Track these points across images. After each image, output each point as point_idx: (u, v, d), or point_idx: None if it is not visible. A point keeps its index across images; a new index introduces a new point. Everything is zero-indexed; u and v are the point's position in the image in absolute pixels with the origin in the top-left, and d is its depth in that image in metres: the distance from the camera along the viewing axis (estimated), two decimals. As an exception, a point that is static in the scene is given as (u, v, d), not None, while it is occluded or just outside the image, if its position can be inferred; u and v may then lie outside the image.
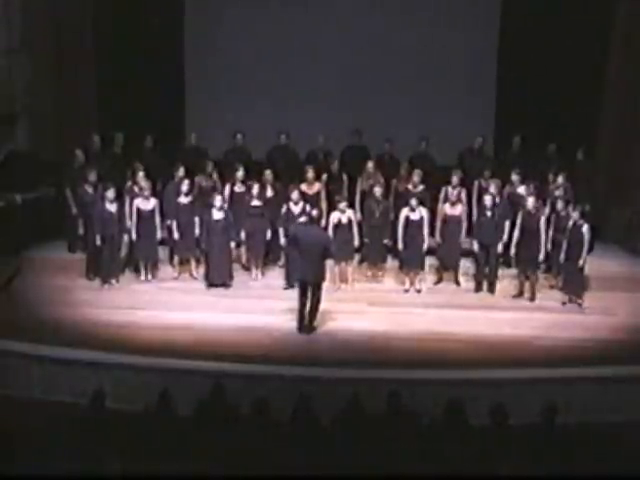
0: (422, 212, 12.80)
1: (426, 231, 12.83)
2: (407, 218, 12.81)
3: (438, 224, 13.22)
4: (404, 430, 7.79)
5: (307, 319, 11.45)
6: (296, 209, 12.81)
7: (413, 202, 12.74)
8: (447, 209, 13.07)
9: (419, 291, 13.06)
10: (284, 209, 12.87)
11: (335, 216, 12.77)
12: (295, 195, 12.83)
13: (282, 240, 12.91)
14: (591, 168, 14.44)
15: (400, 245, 12.95)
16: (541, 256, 12.61)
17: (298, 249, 11.51)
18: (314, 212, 11.80)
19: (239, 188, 13.45)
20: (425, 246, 12.87)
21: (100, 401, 8.06)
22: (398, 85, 15.64)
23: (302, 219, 12.02)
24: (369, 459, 7.35)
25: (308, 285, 11.39)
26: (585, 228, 12.28)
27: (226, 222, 12.72)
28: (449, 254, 13.14)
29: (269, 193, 13.38)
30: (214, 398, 8.21)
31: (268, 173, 13.48)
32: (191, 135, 14.91)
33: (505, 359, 10.80)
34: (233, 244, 13.00)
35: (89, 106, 15.61)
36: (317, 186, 13.56)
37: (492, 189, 13.03)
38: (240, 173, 13.39)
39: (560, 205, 12.79)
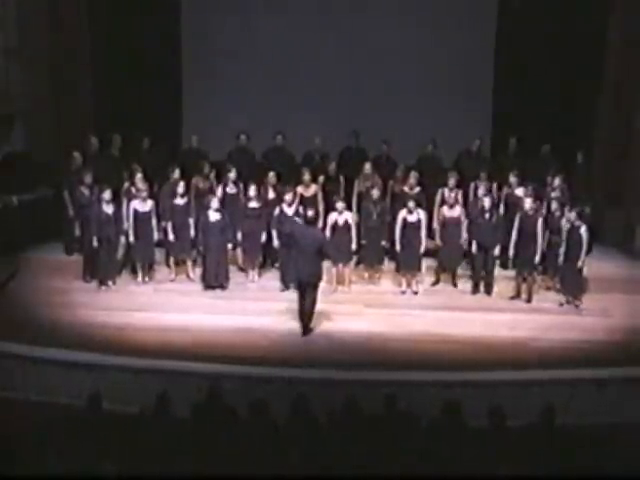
0: (419, 214, 12.80)
1: (423, 233, 12.83)
2: (404, 220, 12.80)
3: (435, 226, 13.23)
4: (402, 431, 7.79)
5: (304, 320, 11.45)
6: (290, 211, 12.80)
7: (411, 204, 12.73)
8: (446, 211, 13.07)
9: (416, 293, 13.04)
10: (277, 211, 12.85)
11: (332, 217, 12.74)
12: (289, 197, 12.81)
13: (275, 242, 12.91)
14: (590, 170, 14.45)
15: (397, 247, 12.95)
16: (537, 257, 12.60)
17: (295, 249, 11.50)
18: (310, 212, 11.78)
19: (231, 189, 13.42)
20: (422, 248, 12.87)
21: (97, 403, 8.05)
22: (395, 87, 15.65)
23: (297, 219, 11.99)
24: (367, 460, 7.34)
25: (304, 285, 11.38)
26: (583, 229, 12.27)
27: (223, 223, 12.70)
28: (450, 256, 13.14)
29: (270, 195, 13.35)
30: (211, 400, 8.20)
31: (272, 175, 13.43)
32: (191, 137, 14.84)
33: (502, 360, 10.79)
34: (230, 245, 12.98)
35: (86, 107, 15.58)
36: (314, 188, 13.54)
37: (480, 191, 13.08)
38: (232, 174, 13.37)
39: (554, 206, 12.80)
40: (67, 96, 15.27)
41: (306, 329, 11.45)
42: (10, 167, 14.28)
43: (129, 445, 7.55)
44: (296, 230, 11.70)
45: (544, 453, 7.50)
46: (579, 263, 12.31)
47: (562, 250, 12.40)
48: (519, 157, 14.46)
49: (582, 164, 14.34)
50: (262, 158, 14.55)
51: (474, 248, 12.84)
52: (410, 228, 12.79)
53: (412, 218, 12.78)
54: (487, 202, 12.75)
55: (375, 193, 13.13)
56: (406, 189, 13.43)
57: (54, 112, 15.20)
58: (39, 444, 7.56)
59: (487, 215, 12.75)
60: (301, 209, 12.69)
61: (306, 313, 11.42)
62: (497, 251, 12.83)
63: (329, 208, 13.14)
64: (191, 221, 13.05)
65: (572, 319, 12.18)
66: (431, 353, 10.93)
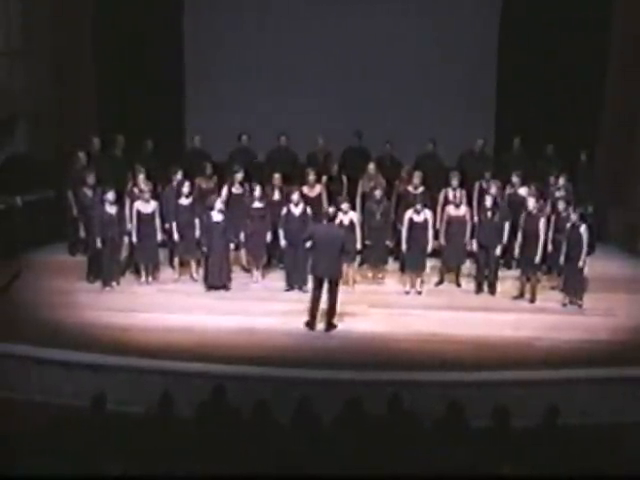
0: (426, 214, 12.80)
1: (430, 233, 12.83)
2: (411, 220, 12.80)
3: (439, 225, 13.21)
4: (405, 432, 7.78)
5: (325, 317, 11.50)
6: (297, 211, 12.81)
7: (419, 205, 12.71)
8: (451, 210, 13.06)
9: (420, 293, 13.04)
10: (284, 211, 12.86)
11: (337, 217, 12.72)
12: (295, 197, 12.82)
13: (282, 242, 12.91)
14: (593, 170, 14.45)
15: (404, 247, 12.94)
16: (538, 257, 12.57)
17: (316, 247, 11.52)
18: (330, 209, 11.90)
19: (237, 189, 13.43)
20: (429, 248, 12.86)
21: (101, 404, 8.05)
22: (399, 87, 15.66)
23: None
24: (370, 461, 7.33)
25: (323, 280, 11.41)
26: (583, 228, 12.26)
27: (225, 224, 12.70)
28: (454, 255, 13.14)
29: (276, 196, 13.36)
30: (215, 400, 8.20)
31: (277, 177, 13.42)
32: (194, 138, 14.90)
33: (506, 361, 10.77)
34: (232, 246, 12.98)
35: (89, 108, 15.62)
36: (318, 188, 13.56)
37: (493, 190, 13.05)
38: (239, 175, 13.37)
39: (561, 206, 12.78)
40: (70, 97, 15.31)
41: (330, 326, 11.49)
42: (13, 168, 14.30)
43: (133, 446, 7.55)
44: (317, 229, 11.74)
45: (547, 453, 7.49)
46: (580, 263, 12.30)
47: (563, 250, 12.40)
48: (523, 157, 14.45)
49: (585, 163, 14.33)
50: (266, 159, 14.57)
51: (474, 246, 12.84)
52: (416, 228, 12.78)
53: (419, 218, 12.77)
54: (489, 201, 12.75)
55: (378, 193, 13.13)
56: (410, 189, 13.43)
57: (57, 113, 15.23)
58: (42, 445, 7.56)
59: (489, 214, 12.74)
60: (309, 209, 12.74)
61: (328, 310, 11.47)
62: (499, 251, 12.83)
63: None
64: (197, 221, 13.03)
65: (576, 319, 12.16)
66: (435, 353, 10.91)
